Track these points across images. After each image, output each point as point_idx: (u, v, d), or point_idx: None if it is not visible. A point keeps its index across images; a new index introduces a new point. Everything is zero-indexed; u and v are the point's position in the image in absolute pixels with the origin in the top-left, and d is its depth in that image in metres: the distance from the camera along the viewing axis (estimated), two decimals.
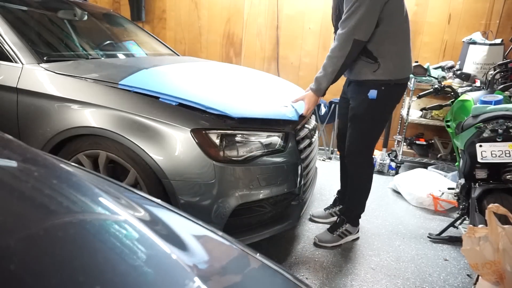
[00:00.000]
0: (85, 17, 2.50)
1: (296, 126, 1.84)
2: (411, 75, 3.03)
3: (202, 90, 1.77)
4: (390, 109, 1.97)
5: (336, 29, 1.93)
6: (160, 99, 1.61)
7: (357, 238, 2.18)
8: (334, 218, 2.35)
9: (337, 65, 1.75)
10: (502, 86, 2.39)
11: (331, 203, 2.45)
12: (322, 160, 3.66)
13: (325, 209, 2.43)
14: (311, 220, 2.38)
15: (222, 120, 1.59)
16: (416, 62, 2.92)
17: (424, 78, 2.93)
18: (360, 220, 2.19)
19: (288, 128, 1.78)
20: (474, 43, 3.14)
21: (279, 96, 2.08)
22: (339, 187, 2.38)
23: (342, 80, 1.97)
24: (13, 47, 1.72)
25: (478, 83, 2.51)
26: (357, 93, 1.90)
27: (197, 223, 0.80)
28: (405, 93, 3.62)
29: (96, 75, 1.69)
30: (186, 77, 1.97)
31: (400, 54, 1.81)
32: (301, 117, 1.90)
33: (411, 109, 3.35)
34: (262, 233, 1.71)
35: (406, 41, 1.83)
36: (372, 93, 1.82)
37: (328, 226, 2.19)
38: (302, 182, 1.83)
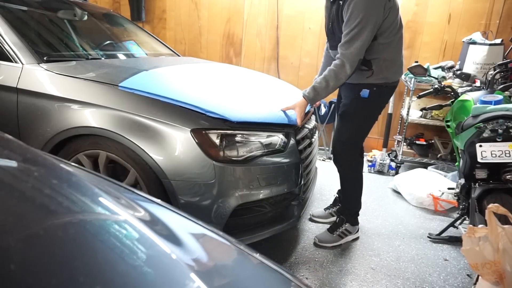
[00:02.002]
0: (85, 17, 2.51)
1: (296, 126, 1.84)
2: (412, 75, 3.03)
3: (201, 92, 1.77)
4: (380, 109, 2.02)
5: (329, 38, 1.98)
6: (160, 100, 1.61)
7: (357, 238, 2.18)
8: (334, 218, 2.35)
9: (341, 80, 1.79)
10: (502, 86, 2.39)
11: (331, 203, 2.46)
12: (322, 160, 3.66)
13: (325, 209, 2.43)
14: (311, 220, 2.38)
15: (222, 120, 1.59)
16: (416, 62, 2.92)
17: (424, 78, 2.93)
18: (360, 220, 2.19)
19: (288, 128, 1.78)
20: (474, 43, 3.14)
21: (279, 98, 2.08)
22: (339, 187, 2.38)
23: None
24: (13, 47, 1.72)
25: (478, 83, 2.51)
26: (350, 92, 1.96)
27: (197, 223, 0.80)
28: (404, 93, 3.64)
29: (96, 76, 1.69)
30: (186, 79, 1.97)
31: (393, 61, 1.89)
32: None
33: (411, 109, 3.35)
34: (262, 233, 1.71)
35: (399, 49, 1.91)
36: (364, 92, 1.89)
37: (328, 226, 2.19)
38: (302, 182, 1.83)
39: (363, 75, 1.87)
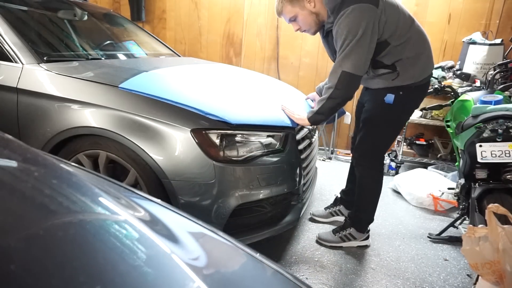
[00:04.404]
0: (85, 17, 2.51)
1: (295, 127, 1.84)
2: None
3: (201, 94, 1.76)
4: (407, 115, 1.91)
5: None
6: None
7: (365, 247, 2.10)
8: (335, 218, 2.36)
9: (327, 92, 1.71)
10: (502, 86, 2.39)
11: (331, 202, 2.46)
12: (322, 160, 3.66)
13: (326, 208, 2.43)
14: (311, 219, 2.38)
15: (222, 122, 1.59)
16: None
17: None
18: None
19: (288, 128, 1.78)
20: (474, 43, 3.14)
21: (278, 100, 2.07)
22: (339, 187, 2.38)
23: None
24: (13, 47, 1.72)
25: (478, 83, 2.52)
26: (373, 96, 1.85)
27: (197, 223, 0.80)
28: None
29: (96, 77, 1.69)
30: (185, 80, 1.96)
31: (417, 56, 1.73)
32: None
33: None
34: (262, 233, 1.71)
35: (421, 42, 1.75)
36: (389, 98, 1.77)
37: (328, 225, 2.19)
38: (302, 182, 1.83)
39: (388, 78, 1.75)
